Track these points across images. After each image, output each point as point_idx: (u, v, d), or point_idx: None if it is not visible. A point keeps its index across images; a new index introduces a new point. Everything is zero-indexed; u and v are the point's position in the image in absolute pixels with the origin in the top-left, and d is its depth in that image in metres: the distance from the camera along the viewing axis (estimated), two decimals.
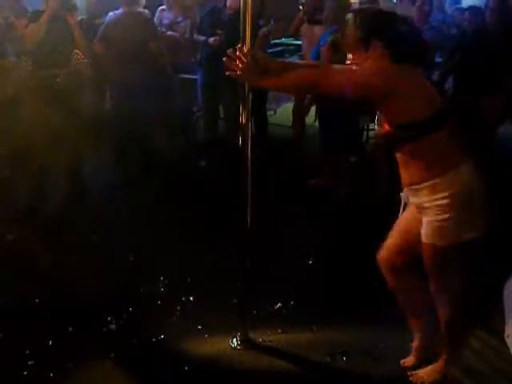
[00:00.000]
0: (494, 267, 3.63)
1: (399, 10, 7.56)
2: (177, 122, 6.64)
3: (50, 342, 3.26)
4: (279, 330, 3.42)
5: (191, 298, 3.69)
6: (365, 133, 6.75)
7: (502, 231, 3.73)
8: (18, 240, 4.38)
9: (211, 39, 5.64)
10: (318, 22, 5.84)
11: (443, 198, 2.56)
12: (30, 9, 5.61)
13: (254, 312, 3.46)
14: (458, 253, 2.64)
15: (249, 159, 3.00)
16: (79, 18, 5.94)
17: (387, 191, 5.22)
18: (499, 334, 3.13)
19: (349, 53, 2.68)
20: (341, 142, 5.39)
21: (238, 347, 3.26)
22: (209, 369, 3.13)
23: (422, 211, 2.67)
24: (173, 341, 3.31)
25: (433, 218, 2.61)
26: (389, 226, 2.93)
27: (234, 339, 3.28)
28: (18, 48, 5.35)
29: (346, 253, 4.26)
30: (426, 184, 2.60)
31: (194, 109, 6.93)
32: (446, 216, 2.58)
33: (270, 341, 3.33)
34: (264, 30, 5.88)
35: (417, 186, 2.64)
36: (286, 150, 6.17)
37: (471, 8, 6.17)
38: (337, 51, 4.87)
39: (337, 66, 2.76)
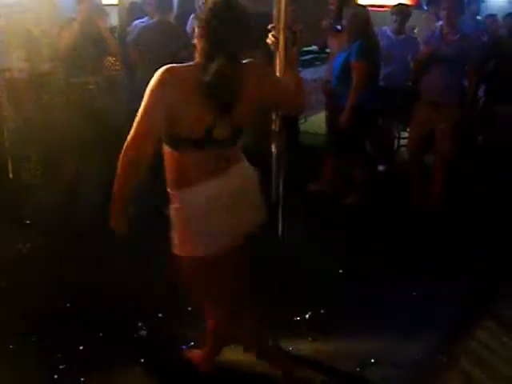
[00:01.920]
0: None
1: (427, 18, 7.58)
2: None
3: (81, 347, 3.29)
4: (309, 339, 3.40)
5: None
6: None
7: None
8: (50, 245, 4.42)
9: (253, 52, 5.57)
10: (338, 31, 5.86)
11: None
12: (63, 17, 5.68)
13: (285, 320, 3.44)
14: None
15: (282, 166, 2.99)
16: (111, 25, 5.99)
17: (420, 201, 5.23)
18: (507, 326, 3.23)
19: None
20: (374, 150, 5.38)
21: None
22: (238, 376, 3.13)
23: None
24: (200, 348, 3.30)
25: None
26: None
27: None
28: (51, 55, 5.43)
29: (376, 262, 4.23)
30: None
31: None
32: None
33: (300, 349, 3.31)
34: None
35: None
36: (318, 157, 6.15)
37: (509, 15, 6.07)
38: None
39: None
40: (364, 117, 5.17)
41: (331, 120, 5.60)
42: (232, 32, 2.39)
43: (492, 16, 7.66)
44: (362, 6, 6.01)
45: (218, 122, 2.43)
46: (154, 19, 5.72)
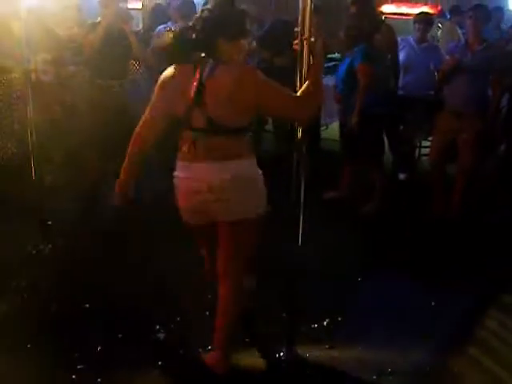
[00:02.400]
0: None
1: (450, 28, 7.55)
2: None
3: (99, 348, 3.31)
4: (326, 346, 3.39)
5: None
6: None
7: None
8: (70, 247, 4.46)
9: (279, 59, 5.59)
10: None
11: None
12: (88, 20, 5.74)
13: (302, 327, 3.44)
14: None
15: (303, 174, 3.00)
16: (136, 29, 6.02)
17: (441, 211, 5.20)
18: None
19: None
20: (395, 158, 5.36)
21: (285, 361, 3.24)
22: (255, 381, 3.14)
23: None
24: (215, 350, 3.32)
25: None
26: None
27: (281, 352, 3.27)
28: (76, 58, 5.49)
29: (394, 271, 4.20)
30: None
31: None
32: None
33: (316, 356, 3.31)
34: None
35: None
36: (338, 164, 6.15)
37: None
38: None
39: None
40: (375, 121, 5.18)
41: (342, 125, 5.62)
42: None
43: None
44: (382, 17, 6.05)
45: (193, 111, 2.79)
46: (174, 24, 5.77)
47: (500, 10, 8.01)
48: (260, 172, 2.98)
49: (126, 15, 5.27)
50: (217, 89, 2.74)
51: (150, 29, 6.53)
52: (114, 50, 5.07)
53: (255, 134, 6.28)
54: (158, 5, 7.17)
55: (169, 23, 5.85)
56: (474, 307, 3.85)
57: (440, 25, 8.02)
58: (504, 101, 5.68)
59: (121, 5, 5.23)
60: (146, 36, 6.34)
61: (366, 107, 5.09)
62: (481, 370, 3.21)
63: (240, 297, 3.11)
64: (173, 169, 2.99)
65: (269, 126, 6.52)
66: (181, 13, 5.82)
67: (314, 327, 3.56)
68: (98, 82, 5.07)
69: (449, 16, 8.39)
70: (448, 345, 3.44)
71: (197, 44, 2.80)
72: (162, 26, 5.90)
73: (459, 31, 7.33)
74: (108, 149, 4.86)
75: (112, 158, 4.95)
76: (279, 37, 5.60)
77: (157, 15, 6.76)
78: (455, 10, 8.08)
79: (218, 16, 2.77)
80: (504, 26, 8.30)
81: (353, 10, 6.01)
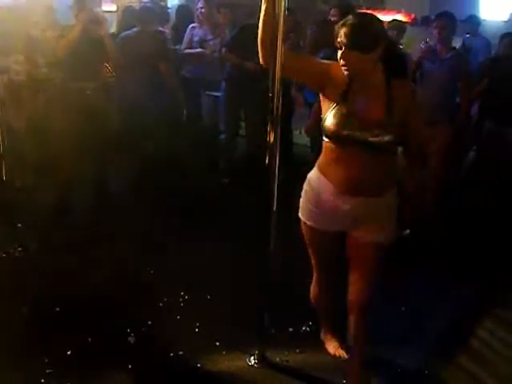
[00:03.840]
0: None
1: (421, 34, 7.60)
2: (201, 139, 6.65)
3: (69, 352, 3.28)
4: (297, 350, 3.41)
5: (210, 315, 3.68)
6: None
7: None
8: (40, 250, 4.43)
9: (249, 63, 5.60)
10: None
11: None
12: (62, 22, 5.70)
13: (272, 331, 3.44)
14: None
15: (276, 177, 3.01)
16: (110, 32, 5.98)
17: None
18: (506, 325, 3.36)
19: None
20: None
21: (255, 365, 3.26)
22: None
23: None
24: (190, 356, 3.32)
25: None
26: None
27: (251, 357, 3.28)
28: (49, 60, 5.44)
29: None
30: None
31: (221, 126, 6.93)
32: None
33: (286, 360, 3.33)
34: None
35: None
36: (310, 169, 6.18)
37: (506, 35, 6.09)
38: None
39: None
40: None
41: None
42: None
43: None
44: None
45: None
46: (136, 28, 5.78)
47: (475, 18, 8.07)
48: None
49: (100, 18, 5.23)
50: None
51: (118, 32, 6.51)
52: (88, 52, 5.03)
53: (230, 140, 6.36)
54: (127, 7, 7.15)
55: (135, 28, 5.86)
56: (462, 314, 3.90)
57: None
58: (474, 108, 5.77)
59: (95, 8, 5.21)
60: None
61: None
62: (472, 379, 3.24)
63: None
64: None
65: (242, 131, 6.54)
66: (140, 17, 5.85)
67: (284, 331, 3.57)
68: (71, 84, 5.02)
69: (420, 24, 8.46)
70: (433, 351, 3.48)
71: None
72: (128, 31, 5.91)
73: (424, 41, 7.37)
74: (80, 151, 4.84)
75: (84, 160, 4.96)
76: (249, 41, 5.61)
77: (126, 18, 6.76)
78: (425, 20, 8.14)
79: None
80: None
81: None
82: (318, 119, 2.89)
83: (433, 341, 3.55)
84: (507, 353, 3.46)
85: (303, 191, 2.96)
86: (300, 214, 2.99)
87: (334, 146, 2.76)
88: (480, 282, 4.19)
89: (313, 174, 2.92)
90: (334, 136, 2.72)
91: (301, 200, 2.98)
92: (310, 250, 3.08)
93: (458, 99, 5.28)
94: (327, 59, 2.97)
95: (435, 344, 3.53)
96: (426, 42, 5.16)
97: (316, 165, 2.90)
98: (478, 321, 3.76)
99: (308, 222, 2.95)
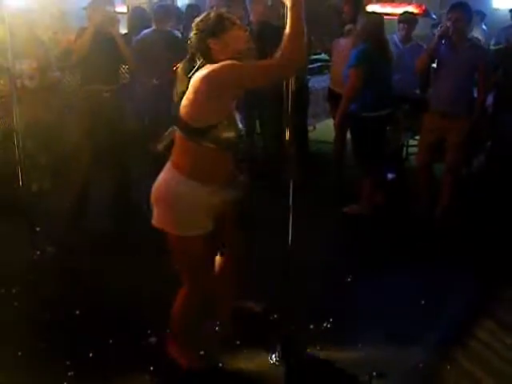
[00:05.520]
0: None
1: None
2: None
3: (91, 354, 3.30)
4: (318, 348, 3.40)
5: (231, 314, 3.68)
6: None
7: None
8: (59, 253, 4.45)
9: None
10: (342, 35, 6.00)
11: None
12: (74, 26, 5.69)
13: (294, 328, 3.42)
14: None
15: (292, 173, 3.01)
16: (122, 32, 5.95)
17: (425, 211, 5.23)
18: (506, 326, 3.33)
19: None
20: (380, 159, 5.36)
21: (277, 363, 3.26)
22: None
23: None
24: (211, 355, 3.32)
25: None
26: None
27: (273, 355, 3.28)
28: (62, 64, 5.45)
29: (383, 272, 4.21)
30: None
31: None
32: None
33: (308, 357, 3.32)
34: None
35: None
36: (327, 166, 6.17)
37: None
38: None
39: None
40: (367, 124, 5.17)
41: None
42: None
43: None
44: (375, 13, 6.06)
45: None
46: (152, 28, 5.75)
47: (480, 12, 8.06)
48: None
49: (114, 18, 5.17)
50: None
51: (133, 33, 6.49)
52: (104, 54, 4.96)
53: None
54: (136, 8, 7.14)
55: (150, 28, 5.84)
56: (460, 306, 3.88)
57: None
58: (489, 99, 5.71)
59: (108, 8, 5.13)
60: (128, 40, 6.30)
61: (361, 110, 5.11)
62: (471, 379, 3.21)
63: None
64: None
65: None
66: (156, 17, 5.84)
67: (306, 329, 3.57)
68: (88, 87, 4.98)
69: (434, 16, 8.44)
70: (438, 345, 3.46)
71: None
72: (143, 32, 5.88)
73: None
74: (97, 155, 4.85)
75: (101, 164, 4.97)
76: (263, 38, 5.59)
77: (135, 19, 6.75)
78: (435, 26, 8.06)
79: None
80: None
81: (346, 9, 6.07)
82: None
83: (432, 341, 3.51)
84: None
85: None
86: None
87: None
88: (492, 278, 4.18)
89: None
90: None
91: None
92: None
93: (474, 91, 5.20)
94: None
95: (435, 344, 3.49)
96: (441, 26, 5.03)
97: None
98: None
99: None
